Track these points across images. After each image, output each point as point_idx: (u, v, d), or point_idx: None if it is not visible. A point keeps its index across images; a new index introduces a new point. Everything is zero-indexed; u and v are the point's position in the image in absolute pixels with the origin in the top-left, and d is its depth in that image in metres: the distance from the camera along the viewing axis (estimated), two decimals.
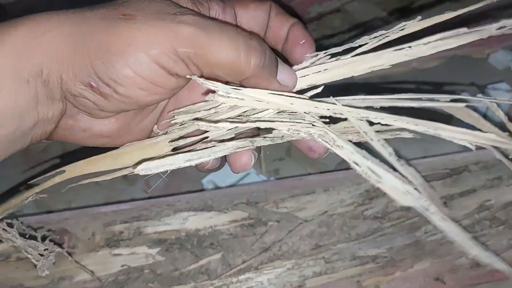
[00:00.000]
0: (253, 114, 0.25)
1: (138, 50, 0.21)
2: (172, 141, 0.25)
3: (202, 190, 0.44)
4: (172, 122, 0.26)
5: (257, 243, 0.40)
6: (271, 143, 0.26)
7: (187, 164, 0.24)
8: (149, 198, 0.43)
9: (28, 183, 0.28)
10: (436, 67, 0.55)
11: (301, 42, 0.26)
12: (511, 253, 0.40)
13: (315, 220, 0.41)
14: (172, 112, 0.26)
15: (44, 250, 0.34)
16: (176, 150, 0.25)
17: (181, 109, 0.26)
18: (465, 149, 0.50)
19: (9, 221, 0.35)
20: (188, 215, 0.41)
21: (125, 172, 0.25)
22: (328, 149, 0.25)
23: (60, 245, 0.39)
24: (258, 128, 0.26)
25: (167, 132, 0.26)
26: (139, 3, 0.22)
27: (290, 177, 0.46)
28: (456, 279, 0.39)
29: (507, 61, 0.58)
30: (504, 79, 0.53)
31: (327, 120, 0.25)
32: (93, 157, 0.26)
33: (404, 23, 0.27)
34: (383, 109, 0.26)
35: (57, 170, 0.26)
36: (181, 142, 0.25)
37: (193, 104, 0.26)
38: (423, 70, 0.56)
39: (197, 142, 0.25)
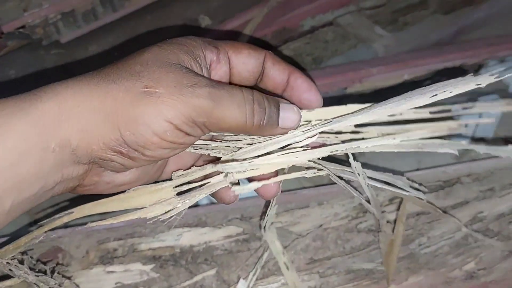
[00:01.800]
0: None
1: (163, 121, 0.23)
2: (176, 186, 0.29)
3: (196, 205, 0.44)
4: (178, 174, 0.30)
5: (252, 258, 0.40)
6: None
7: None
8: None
9: (38, 223, 0.30)
10: (427, 79, 0.56)
11: (306, 91, 0.29)
12: (505, 264, 0.40)
13: (309, 234, 0.41)
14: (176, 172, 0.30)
15: (55, 284, 0.36)
16: (180, 194, 0.29)
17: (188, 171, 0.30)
18: (458, 161, 0.51)
19: (20, 256, 0.36)
20: (182, 231, 0.41)
21: (135, 216, 0.28)
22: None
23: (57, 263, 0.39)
24: None
25: (171, 178, 0.30)
26: (157, 74, 0.24)
27: (284, 191, 0.46)
28: None
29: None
30: (495, 90, 0.53)
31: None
32: (102, 200, 0.30)
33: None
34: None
35: (66, 212, 0.29)
36: (185, 187, 0.29)
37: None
38: (414, 82, 0.56)
39: (200, 186, 0.29)
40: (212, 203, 0.44)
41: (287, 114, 0.28)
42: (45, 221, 0.29)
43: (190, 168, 0.30)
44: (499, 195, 0.43)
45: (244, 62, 0.28)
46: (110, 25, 0.55)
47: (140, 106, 0.23)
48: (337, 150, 0.29)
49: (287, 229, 0.41)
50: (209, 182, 0.29)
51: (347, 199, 0.43)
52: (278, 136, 0.29)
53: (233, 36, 0.59)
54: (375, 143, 0.29)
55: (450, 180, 0.44)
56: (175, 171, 0.30)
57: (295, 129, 0.29)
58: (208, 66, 0.27)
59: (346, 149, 0.29)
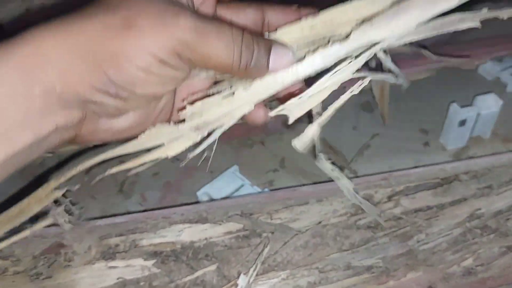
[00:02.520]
0: None
1: (147, 54, 0.22)
2: (197, 129, 0.27)
3: (197, 202, 0.45)
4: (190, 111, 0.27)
5: (252, 254, 0.40)
6: None
7: None
8: (145, 211, 0.43)
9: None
10: (426, 79, 0.56)
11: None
12: (502, 261, 0.40)
13: (309, 231, 0.42)
14: (187, 101, 0.28)
15: None
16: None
17: (198, 103, 0.27)
18: (456, 159, 0.51)
19: None
20: (183, 227, 0.41)
21: (154, 156, 0.27)
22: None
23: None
24: None
25: (184, 120, 0.27)
26: (137, 5, 0.22)
27: (284, 188, 0.47)
28: (449, 287, 0.39)
29: (496, 71, 0.60)
30: (493, 89, 0.54)
31: None
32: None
33: None
34: None
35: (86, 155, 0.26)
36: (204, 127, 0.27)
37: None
38: (413, 82, 0.57)
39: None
40: (212, 200, 0.45)
41: (279, 58, 0.26)
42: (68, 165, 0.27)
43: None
44: (496, 193, 0.44)
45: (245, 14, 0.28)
46: None
47: (120, 40, 0.22)
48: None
49: (286, 225, 0.42)
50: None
51: (346, 196, 0.43)
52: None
53: None
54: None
55: (448, 178, 0.45)
56: (184, 105, 0.28)
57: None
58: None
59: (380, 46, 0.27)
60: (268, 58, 0.26)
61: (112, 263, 0.40)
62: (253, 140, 0.55)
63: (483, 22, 0.71)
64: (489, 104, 0.50)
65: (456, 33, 0.66)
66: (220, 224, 0.42)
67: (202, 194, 0.47)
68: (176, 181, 0.52)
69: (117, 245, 0.41)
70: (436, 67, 0.56)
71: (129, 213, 0.44)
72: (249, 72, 0.25)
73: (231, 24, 0.25)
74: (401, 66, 0.55)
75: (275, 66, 0.26)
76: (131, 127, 0.26)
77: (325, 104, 0.56)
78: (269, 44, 0.26)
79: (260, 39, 0.26)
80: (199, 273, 0.39)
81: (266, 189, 0.48)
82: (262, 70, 0.26)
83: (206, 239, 0.41)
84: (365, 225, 0.42)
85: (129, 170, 0.29)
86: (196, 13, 0.24)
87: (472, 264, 0.40)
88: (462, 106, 0.50)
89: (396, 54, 0.58)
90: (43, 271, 0.40)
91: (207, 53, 0.23)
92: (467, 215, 0.43)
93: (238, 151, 0.54)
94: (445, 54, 0.57)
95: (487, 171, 0.45)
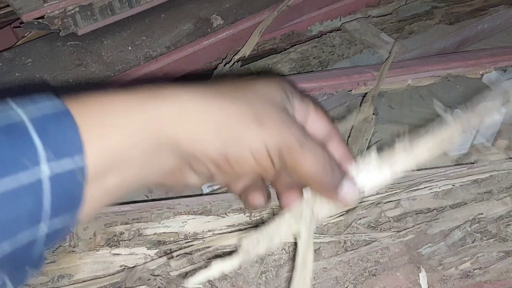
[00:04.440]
0: None
1: (262, 144, 0.26)
2: None
3: (200, 194, 0.46)
4: None
5: None
6: None
7: None
8: (150, 200, 0.44)
9: None
10: (431, 85, 0.57)
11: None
12: (500, 265, 0.41)
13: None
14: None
15: None
16: None
17: None
18: (457, 163, 0.52)
19: None
20: (187, 218, 0.42)
21: None
22: None
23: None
24: None
25: None
26: (267, 108, 0.27)
27: None
28: None
29: (500, 81, 0.60)
30: (495, 98, 0.55)
31: None
32: None
33: None
34: None
35: None
36: None
37: None
38: (417, 88, 0.58)
39: None
40: (216, 192, 0.46)
41: (349, 186, 0.29)
42: None
43: None
44: (496, 198, 0.44)
45: (315, 122, 0.30)
46: (126, 20, 0.57)
47: (248, 129, 0.26)
48: None
49: None
50: None
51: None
52: None
53: (245, 36, 0.61)
54: None
55: (446, 181, 0.45)
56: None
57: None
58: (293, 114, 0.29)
59: None
60: (342, 180, 0.29)
61: (116, 251, 0.40)
62: None
63: (489, 33, 0.72)
64: (492, 112, 0.51)
65: (462, 43, 0.67)
66: (224, 217, 0.42)
67: (207, 186, 0.47)
68: None
69: (121, 233, 0.41)
70: (441, 75, 0.56)
71: (134, 202, 0.45)
72: (328, 187, 0.28)
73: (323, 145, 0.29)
74: (406, 72, 0.56)
75: (344, 193, 0.29)
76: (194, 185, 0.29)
77: (326, 106, 0.57)
78: (345, 170, 0.30)
79: (337, 163, 0.29)
80: (201, 263, 0.40)
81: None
82: (336, 188, 0.29)
83: (209, 231, 0.41)
84: (366, 225, 0.43)
85: None
86: (302, 127, 0.28)
87: (470, 267, 0.41)
88: (465, 113, 0.51)
89: (401, 61, 0.59)
90: (48, 256, 0.40)
91: (301, 159, 0.27)
92: (468, 219, 0.43)
93: None
94: (450, 61, 0.58)
95: (488, 177, 0.45)
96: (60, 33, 0.52)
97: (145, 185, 0.26)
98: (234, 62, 0.59)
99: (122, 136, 0.23)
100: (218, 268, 0.27)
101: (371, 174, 0.30)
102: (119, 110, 0.23)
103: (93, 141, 0.22)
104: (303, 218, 0.30)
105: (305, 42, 0.66)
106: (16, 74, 0.51)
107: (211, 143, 0.25)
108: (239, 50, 0.61)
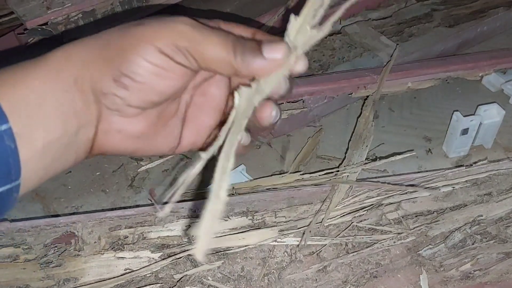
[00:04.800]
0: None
1: (147, 43, 0.26)
2: None
3: (204, 198, 0.46)
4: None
5: (255, 251, 0.41)
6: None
7: None
8: (153, 204, 0.45)
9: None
10: (431, 88, 0.57)
11: None
12: (500, 266, 0.41)
13: (312, 230, 0.43)
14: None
15: None
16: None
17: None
18: (457, 164, 0.52)
19: None
20: (190, 221, 0.43)
21: None
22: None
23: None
24: None
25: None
26: (148, 18, 0.27)
27: (289, 188, 0.48)
28: None
29: (500, 83, 0.61)
30: (496, 100, 0.55)
31: None
32: None
33: None
34: None
35: None
36: None
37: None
38: (418, 90, 0.58)
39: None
40: None
41: (270, 46, 0.27)
42: None
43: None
44: (496, 200, 0.45)
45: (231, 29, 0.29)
46: None
47: (127, 35, 0.26)
48: None
49: (290, 223, 0.43)
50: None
51: (348, 198, 0.45)
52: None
53: None
54: None
55: (449, 184, 0.46)
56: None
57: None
58: None
59: None
60: (259, 47, 0.27)
61: (121, 254, 0.41)
62: (260, 142, 0.56)
63: (488, 36, 0.72)
64: (491, 114, 0.51)
65: (461, 46, 0.67)
66: (226, 220, 0.43)
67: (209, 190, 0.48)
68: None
69: (125, 237, 0.42)
70: (441, 77, 0.57)
71: (138, 206, 0.45)
72: (246, 57, 0.27)
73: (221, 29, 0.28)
74: (406, 75, 0.57)
75: (269, 51, 0.27)
76: (140, 134, 0.29)
77: (326, 109, 0.57)
78: (256, 43, 0.28)
79: (248, 39, 0.28)
80: (204, 267, 0.40)
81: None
82: (257, 53, 0.27)
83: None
84: (366, 227, 0.43)
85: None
86: (194, 18, 0.27)
87: (470, 269, 0.41)
88: (465, 115, 0.51)
89: (401, 64, 0.60)
90: (53, 259, 0.41)
91: (204, 42, 0.26)
92: (468, 220, 0.44)
93: None
94: (450, 64, 0.58)
95: (487, 179, 0.46)
96: (63, 39, 0.53)
97: (79, 152, 0.27)
98: None
99: (30, 91, 0.24)
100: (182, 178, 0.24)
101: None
102: (29, 73, 0.25)
103: (9, 104, 0.23)
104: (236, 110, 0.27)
105: None
106: None
107: (100, 64, 0.26)
108: None
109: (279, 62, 0.27)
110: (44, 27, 0.51)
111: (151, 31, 0.26)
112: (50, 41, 0.55)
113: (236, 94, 0.27)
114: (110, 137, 0.28)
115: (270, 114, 0.30)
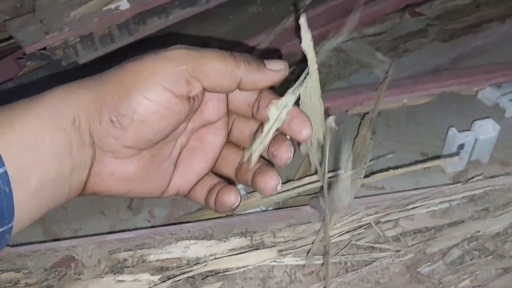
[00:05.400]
0: None
1: (146, 79, 0.25)
2: None
3: (202, 220, 0.47)
4: None
5: (255, 271, 0.42)
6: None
7: None
8: (152, 227, 0.45)
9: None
10: (427, 104, 0.58)
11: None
12: (499, 282, 0.41)
13: (311, 250, 0.43)
14: None
15: None
16: None
17: None
18: (454, 181, 0.52)
19: None
20: (189, 243, 0.43)
21: None
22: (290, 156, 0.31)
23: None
24: None
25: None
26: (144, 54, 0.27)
27: (288, 207, 0.48)
28: None
29: (495, 97, 0.61)
30: (492, 115, 0.56)
31: None
32: None
33: None
34: None
35: None
36: None
37: None
38: (414, 106, 0.59)
39: None
40: (218, 217, 0.46)
41: (272, 62, 0.29)
42: None
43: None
44: (493, 215, 0.45)
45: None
46: (125, 47, 0.58)
47: (124, 72, 0.26)
48: None
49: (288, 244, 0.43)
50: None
51: (346, 216, 0.45)
52: None
53: None
54: None
55: (446, 200, 0.46)
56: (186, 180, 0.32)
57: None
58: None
59: None
60: (263, 62, 0.29)
61: (120, 277, 0.41)
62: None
63: (482, 50, 0.73)
64: (487, 129, 0.52)
65: (456, 60, 0.68)
66: (225, 241, 0.43)
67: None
68: (183, 198, 0.53)
69: (125, 260, 0.42)
70: (436, 93, 0.57)
71: (137, 229, 0.45)
72: (251, 69, 0.28)
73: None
74: (402, 91, 0.57)
75: (271, 66, 0.29)
76: (133, 177, 0.29)
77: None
78: (258, 58, 0.29)
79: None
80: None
81: (270, 208, 0.49)
82: (262, 67, 0.28)
83: (211, 255, 0.42)
84: (365, 245, 0.43)
85: None
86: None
87: (469, 285, 0.41)
88: (461, 131, 0.52)
89: (397, 80, 0.60)
90: (54, 283, 0.41)
91: (204, 61, 0.26)
92: (465, 237, 0.44)
93: None
94: (445, 79, 0.59)
95: (484, 194, 0.46)
96: (61, 63, 0.54)
97: (72, 189, 0.27)
98: None
99: (25, 131, 0.24)
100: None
101: None
102: (26, 112, 0.25)
103: (5, 145, 0.23)
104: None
105: (302, 62, 0.67)
106: None
107: (99, 105, 0.26)
108: None
109: (283, 73, 0.29)
110: (42, 51, 0.52)
111: (149, 66, 0.26)
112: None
113: (270, 106, 0.30)
114: (102, 179, 0.28)
115: (287, 154, 0.31)
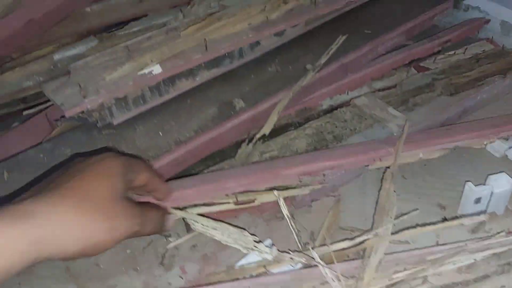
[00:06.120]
0: None
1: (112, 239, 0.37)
2: None
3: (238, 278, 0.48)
4: None
5: None
6: None
7: None
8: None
9: None
10: (441, 158, 0.61)
11: None
12: None
13: None
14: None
15: None
16: None
17: None
18: (474, 233, 0.54)
19: None
20: None
21: None
22: None
23: None
24: None
25: None
26: (105, 201, 0.36)
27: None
28: None
29: (504, 150, 0.65)
30: (502, 167, 0.59)
31: None
32: None
33: None
34: None
35: None
36: None
37: None
38: (429, 160, 0.62)
39: None
40: (254, 276, 0.48)
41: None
42: None
43: None
44: None
45: None
46: (156, 107, 0.61)
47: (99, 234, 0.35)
48: None
49: None
50: None
51: (378, 272, 0.47)
52: None
53: (264, 116, 0.66)
54: None
55: (469, 255, 0.48)
56: None
57: None
58: None
59: None
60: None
61: None
62: (283, 214, 0.59)
63: (487, 102, 0.77)
64: (501, 183, 0.55)
65: (464, 113, 0.72)
66: None
67: (240, 266, 0.50)
68: (212, 253, 0.55)
69: None
70: (449, 147, 0.61)
71: (170, 285, 0.46)
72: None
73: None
74: (417, 146, 0.60)
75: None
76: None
77: (343, 179, 0.60)
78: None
79: None
80: None
81: (297, 266, 0.51)
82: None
83: None
84: None
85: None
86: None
87: None
88: (477, 185, 0.55)
89: (411, 135, 0.63)
90: None
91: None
92: None
93: (270, 223, 0.58)
94: (457, 133, 0.62)
95: (506, 249, 0.48)
96: (97, 125, 0.56)
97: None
98: (256, 141, 0.64)
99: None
100: None
101: None
102: None
103: None
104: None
105: (318, 117, 0.71)
106: (57, 164, 0.55)
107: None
108: (260, 130, 0.65)
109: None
110: (81, 115, 0.54)
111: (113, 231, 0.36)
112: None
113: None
114: None
115: None
